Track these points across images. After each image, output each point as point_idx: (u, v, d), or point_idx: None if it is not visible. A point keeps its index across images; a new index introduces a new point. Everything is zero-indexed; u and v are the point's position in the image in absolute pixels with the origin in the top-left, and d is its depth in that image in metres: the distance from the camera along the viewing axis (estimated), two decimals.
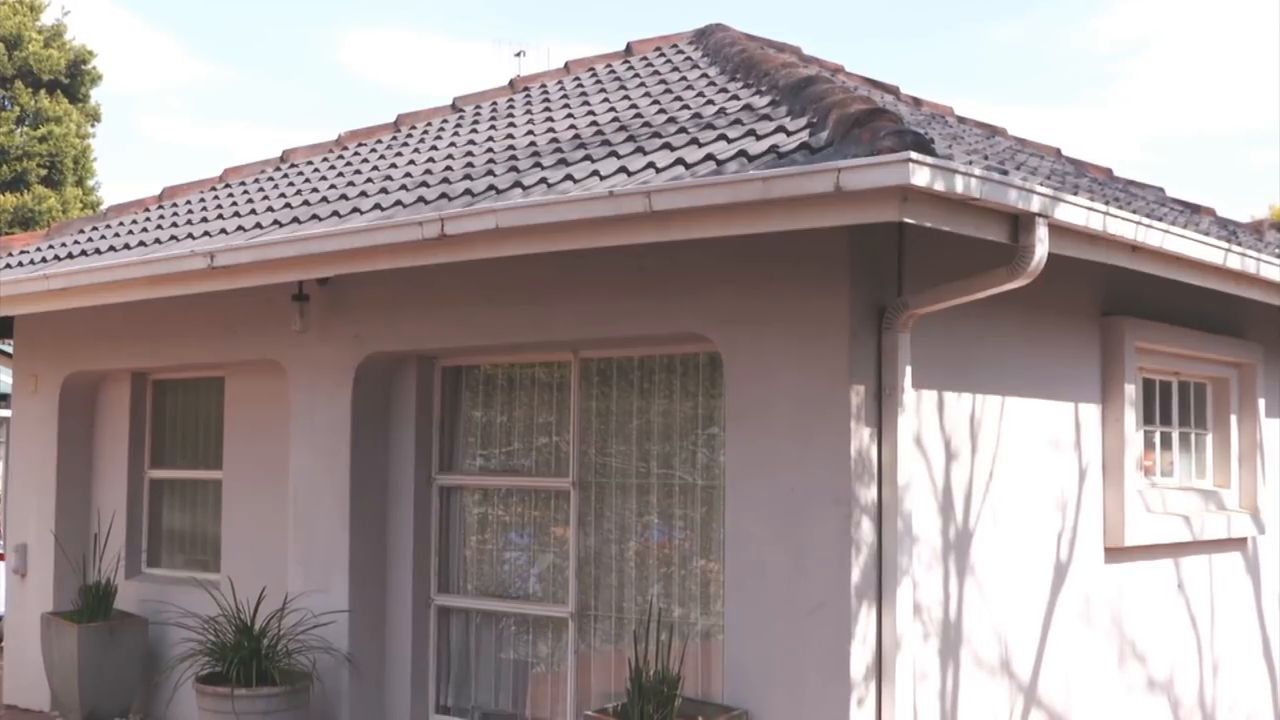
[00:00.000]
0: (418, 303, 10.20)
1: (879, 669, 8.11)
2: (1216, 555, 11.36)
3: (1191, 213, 12.45)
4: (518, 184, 8.84)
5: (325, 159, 13.16)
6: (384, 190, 10.18)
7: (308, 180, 12.10)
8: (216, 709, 10.09)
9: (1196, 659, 11.08)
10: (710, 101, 9.92)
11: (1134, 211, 8.88)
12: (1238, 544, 11.66)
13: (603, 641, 9.71)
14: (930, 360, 8.53)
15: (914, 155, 6.73)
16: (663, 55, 13.14)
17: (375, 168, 11.61)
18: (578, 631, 9.78)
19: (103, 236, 12.44)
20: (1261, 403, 11.84)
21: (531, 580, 10.24)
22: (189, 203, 13.02)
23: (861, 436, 8.07)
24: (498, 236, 8.36)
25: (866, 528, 8.07)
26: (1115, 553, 10.12)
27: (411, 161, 11.31)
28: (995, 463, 9.10)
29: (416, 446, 10.61)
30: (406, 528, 10.61)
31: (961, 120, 13.85)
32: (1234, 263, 9.73)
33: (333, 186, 11.23)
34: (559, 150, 9.63)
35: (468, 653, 10.52)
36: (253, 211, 11.22)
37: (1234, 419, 11.75)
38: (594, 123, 10.49)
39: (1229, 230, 11.97)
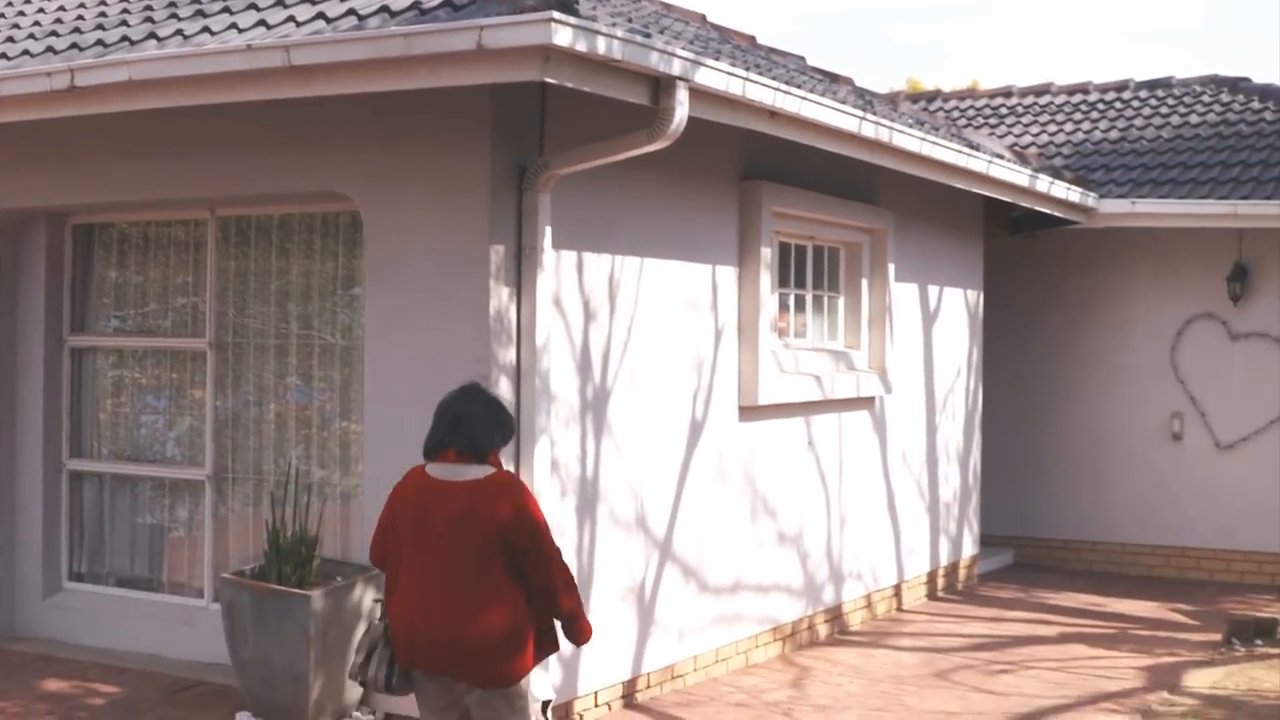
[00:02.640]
0: (47, 158, 9.81)
1: None
2: (846, 414, 11.79)
3: (830, 82, 12.74)
4: (152, 35, 8.57)
5: None
6: (10, 39, 9.71)
7: None
8: None
9: (825, 513, 11.51)
10: None
11: (774, 78, 9.04)
12: (866, 403, 12.12)
13: (242, 504, 9.61)
14: (571, 221, 8.59)
15: (556, 15, 6.78)
16: None
17: (2, 15, 11.06)
18: (216, 494, 9.65)
19: None
20: (892, 268, 12.26)
21: (169, 443, 10.04)
22: None
23: (501, 296, 8.10)
24: (131, 89, 8.14)
25: (505, 387, 8.13)
26: (749, 411, 10.41)
27: (41, 10, 10.78)
28: (633, 323, 9.25)
29: (46, 308, 10.25)
30: (36, 392, 10.26)
31: None
32: (868, 131, 10.03)
33: None
34: (197, 1, 9.33)
35: (102, 518, 10.28)
36: None
37: (865, 283, 12.14)
38: None
39: (865, 100, 12.29)
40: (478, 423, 6.04)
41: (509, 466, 8.11)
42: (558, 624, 6.14)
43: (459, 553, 5.88)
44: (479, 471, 5.98)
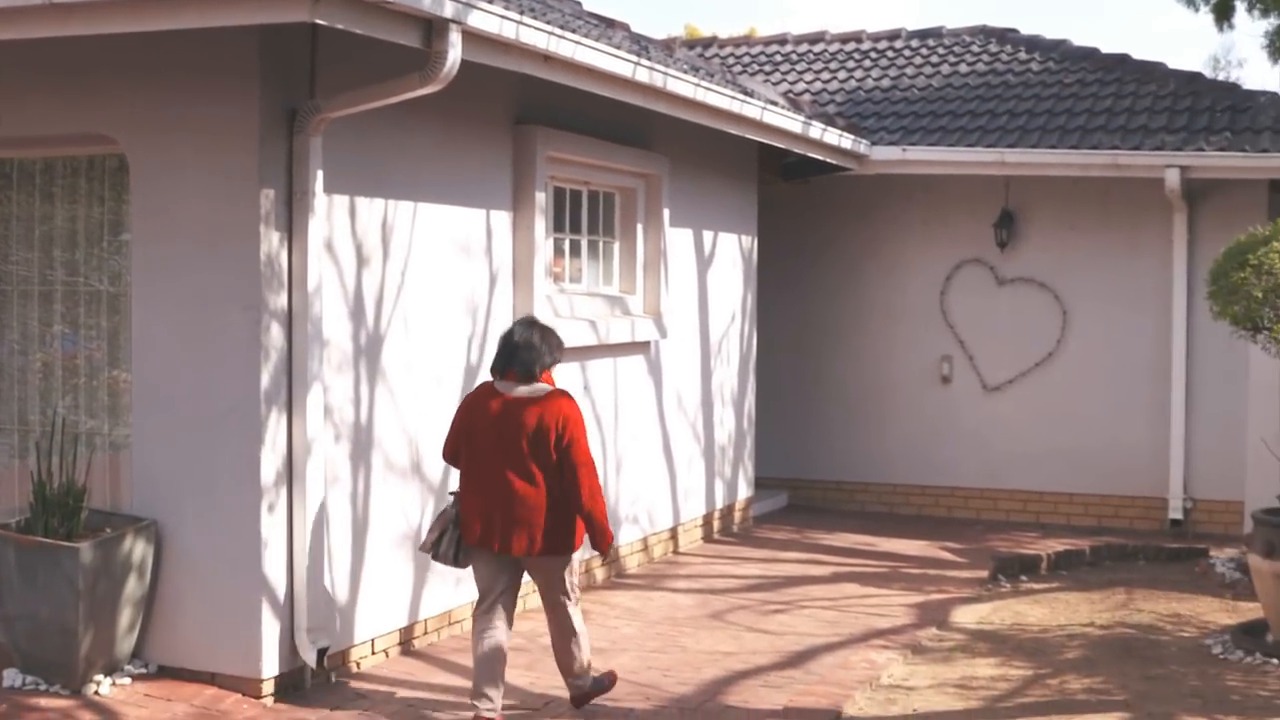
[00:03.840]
0: None
1: (290, 474, 8.16)
2: (621, 359, 11.85)
3: (606, 27, 12.74)
4: None
5: None
6: None
7: None
8: None
9: (601, 457, 11.53)
10: None
11: (549, 23, 9.03)
12: (641, 348, 12.19)
13: (7, 456, 9.37)
14: (343, 165, 8.51)
15: None
16: None
17: None
18: None
19: None
20: (666, 213, 12.34)
21: None
22: None
23: (271, 241, 8.00)
24: None
25: (276, 333, 8.05)
26: None
27: None
28: (407, 268, 9.20)
29: None
30: None
31: None
32: (643, 76, 10.08)
33: None
34: None
35: None
36: None
37: (640, 228, 12.21)
38: None
39: (641, 45, 12.32)
40: (531, 349, 7.71)
41: (282, 414, 8.11)
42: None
43: (520, 451, 7.57)
44: (536, 388, 7.68)
